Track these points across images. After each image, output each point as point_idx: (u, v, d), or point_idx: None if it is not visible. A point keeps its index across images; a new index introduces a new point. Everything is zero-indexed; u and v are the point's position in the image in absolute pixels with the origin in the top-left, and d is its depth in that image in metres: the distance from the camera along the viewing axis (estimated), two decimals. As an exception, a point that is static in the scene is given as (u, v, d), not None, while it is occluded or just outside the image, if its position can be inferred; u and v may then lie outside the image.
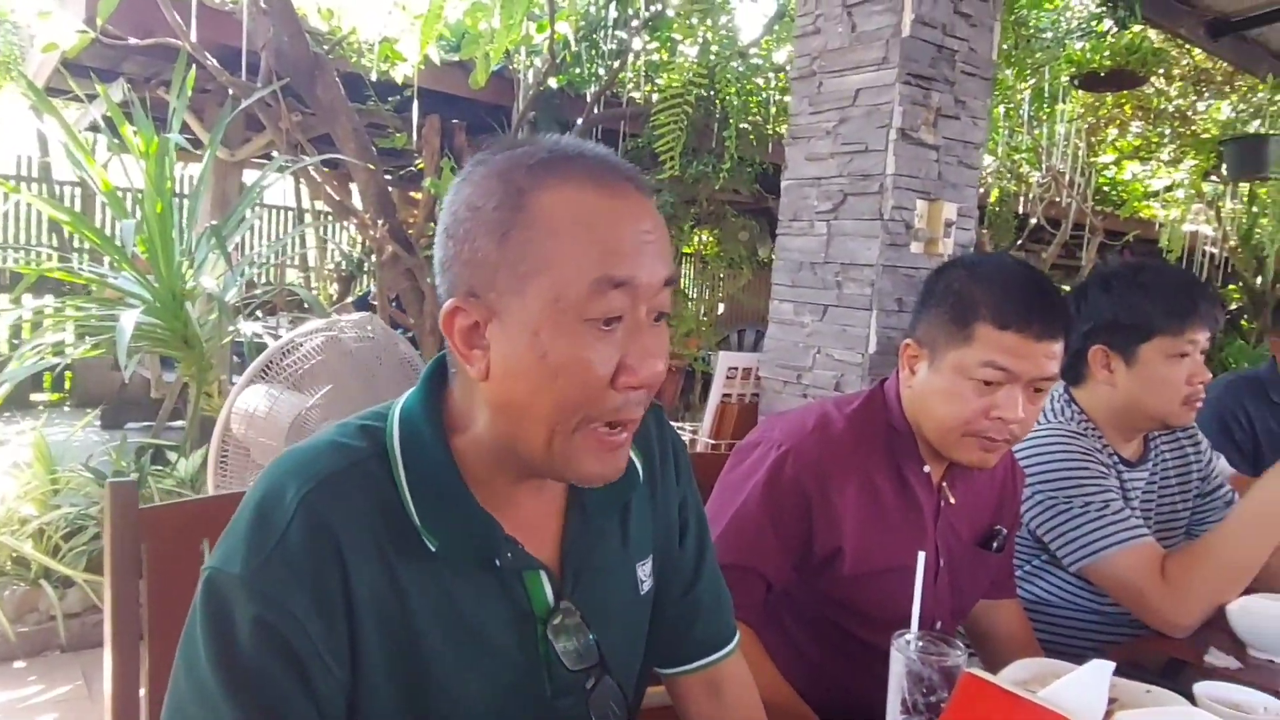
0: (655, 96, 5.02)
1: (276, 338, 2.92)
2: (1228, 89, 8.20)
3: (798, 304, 2.40)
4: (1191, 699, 1.06)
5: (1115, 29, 6.02)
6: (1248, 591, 1.37)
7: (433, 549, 0.72)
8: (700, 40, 5.39)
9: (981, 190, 7.11)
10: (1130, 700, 1.00)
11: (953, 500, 1.32)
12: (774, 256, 2.48)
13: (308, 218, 7.72)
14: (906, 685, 0.90)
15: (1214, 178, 8.36)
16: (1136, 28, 6.13)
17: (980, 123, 2.35)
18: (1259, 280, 9.13)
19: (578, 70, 5.28)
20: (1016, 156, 7.41)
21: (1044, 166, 7.46)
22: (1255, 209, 8.15)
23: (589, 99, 5.37)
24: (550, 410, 0.70)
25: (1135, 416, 1.57)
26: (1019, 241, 7.95)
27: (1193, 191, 8.78)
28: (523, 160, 0.70)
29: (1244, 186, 7.95)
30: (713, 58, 5.10)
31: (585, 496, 0.82)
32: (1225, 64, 7.22)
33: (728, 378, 2.65)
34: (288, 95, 3.74)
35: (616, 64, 5.34)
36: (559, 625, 0.78)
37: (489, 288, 0.69)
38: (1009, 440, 1.21)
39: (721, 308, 7.98)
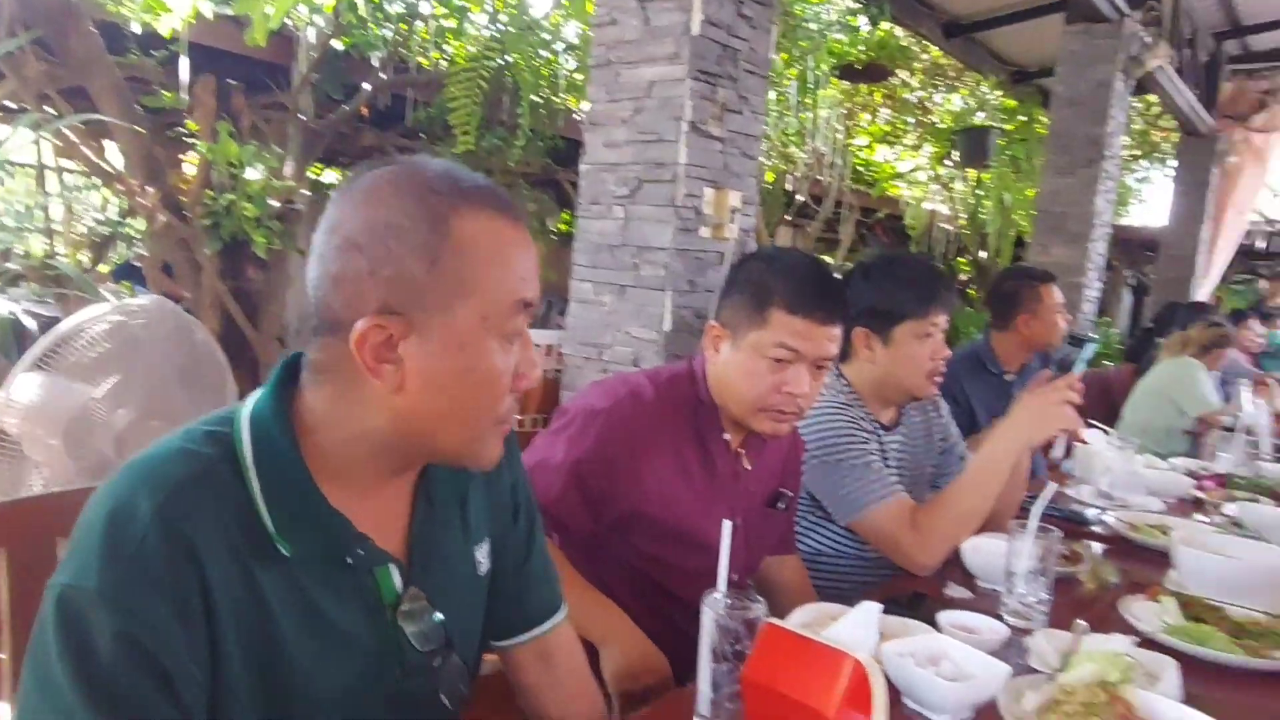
0: (444, 65, 4.93)
1: (35, 316, 2.65)
2: (958, 84, 9.20)
3: (597, 284, 2.52)
4: (936, 626, 1.29)
5: (869, 25, 6.61)
6: (978, 533, 1.66)
7: (287, 554, 0.75)
8: (488, 10, 5.35)
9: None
10: (891, 633, 1.20)
11: (748, 466, 1.50)
12: (575, 238, 2.58)
13: (50, 176, 6.88)
14: (716, 637, 1.03)
15: (948, 163, 9.38)
16: (885, 25, 6.76)
17: (760, 117, 2.56)
18: (983, 254, 10.37)
19: (363, 32, 5.08)
20: (785, 138, 7.94)
21: (809, 148, 8.06)
22: (980, 192, 9.24)
23: (375, 63, 5.18)
24: (472, 414, 0.79)
25: (890, 389, 1.82)
26: (786, 216, 8.57)
27: (932, 174, 9.81)
28: (435, 185, 0.76)
29: (972, 171, 8.98)
30: (502, 28, 5.08)
31: (432, 489, 0.89)
32: (957, 61, 8.10)
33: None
34: (34, 43, 3.34)
35: (404, 27, 5.19)
36: (407, 611, 0.84)
37: (415, 306, 0.74)
38: (797, 413, 1.40)
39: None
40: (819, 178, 8.31)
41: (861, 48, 6.77)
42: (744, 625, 1.04)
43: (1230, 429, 3.15)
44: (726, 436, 1.46)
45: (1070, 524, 2.10)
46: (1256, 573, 1.53)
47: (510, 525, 1.01)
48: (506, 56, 4.97)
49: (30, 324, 2.67)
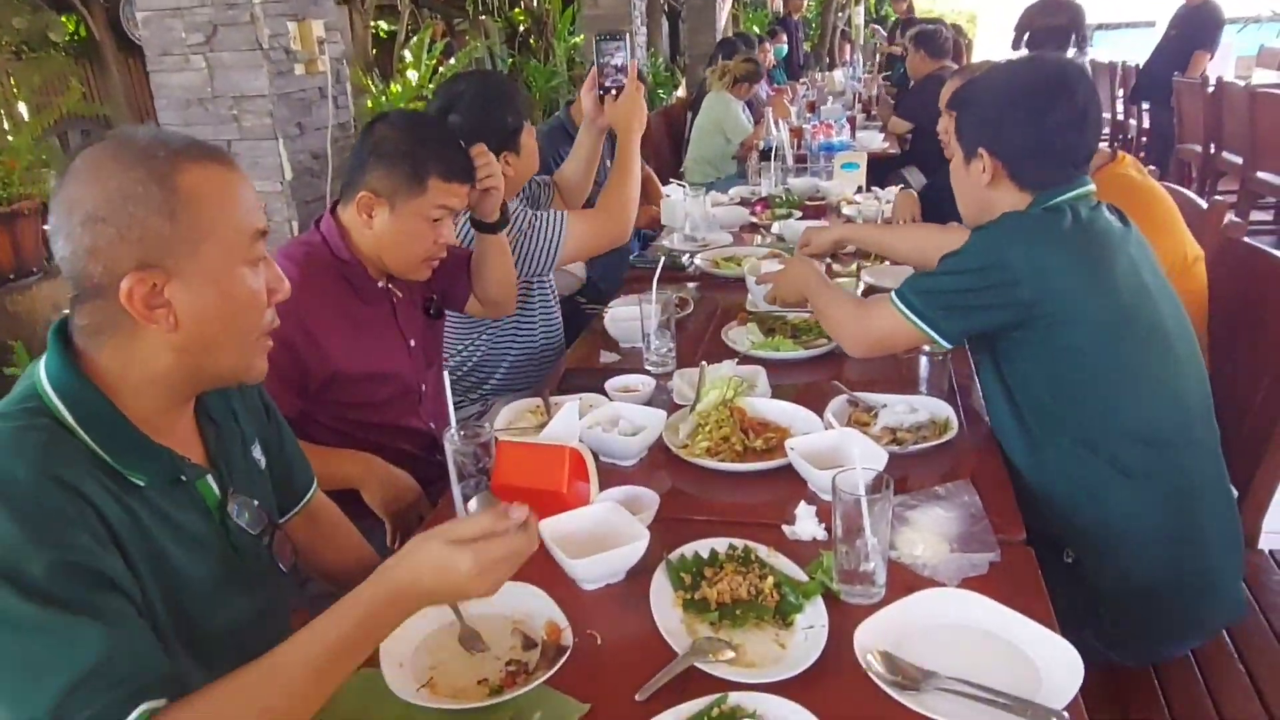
0: None
1: None
2: None
3: (196, 142, 2.41)
4: (607, 393, 1.70)
5: None
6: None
7: (140, 484, 0.92)
8: None
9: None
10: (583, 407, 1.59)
11: (400, 295, 1.74)
12: (154, 95, 2.39)
13: None
14: (461, 463, 1.33)
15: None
16: None
17: (320, -64, 2.47)
18: (535, 3, 10.52)
19: None
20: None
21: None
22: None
23: None
24: (241, 334, 0.96)
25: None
26: (336, -7, 7.97)
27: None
28: (152, 150, 0.89)
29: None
30: None
31: (210, 410, 1.07)
32: None
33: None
34: None
35: None
36: (234, 508, 1.05)
37: (167, 255, 0.88)
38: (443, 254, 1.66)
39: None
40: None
41: None
42: (480, 448, 1.34)
43: (765, 152, 3.90)
44: (381, 284, 1.69)
45: (674, 273, 2.63)
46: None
47: (266, 423, 1.21)
48: None
49: None
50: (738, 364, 1.78)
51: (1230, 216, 2.08)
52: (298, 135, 2.42)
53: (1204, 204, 2.26)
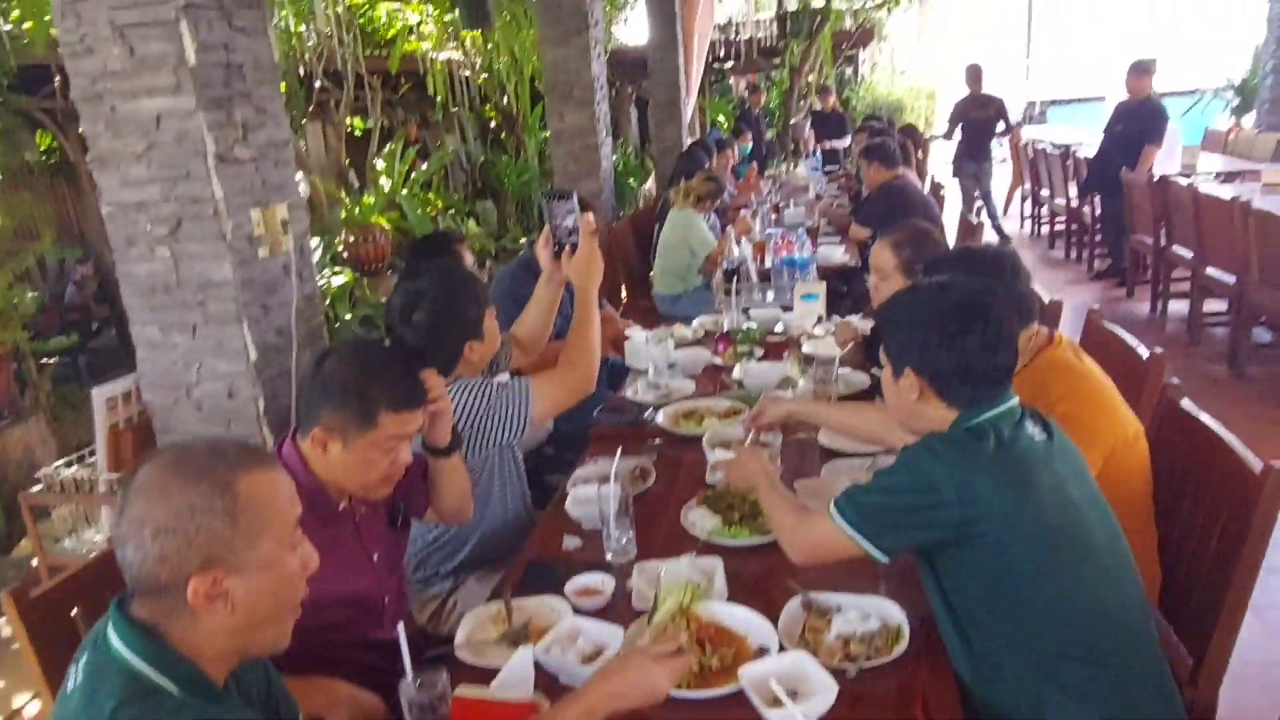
0: None
1: None
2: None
3: (164, 325, 2.45)
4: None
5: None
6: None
7: None
8: None
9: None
10: (541, 616, 1.61)
11: (364, 510, 1.76)
12: (121, 283, 2.45)
13: None
14: (418, 715, 1.34)
15: (454, 15, 9.41)
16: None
17: (282, 121, 2.57)
18: (507, 101, 10.79)
19: None
20: (280, 18, 7.39)
21: (311, 28, 7.62)
22: (491, 47, 9.50)
23: None
24: (286, 608, 1.12)
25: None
26: (310, 108, 8.14)
27: (440, 26, 9.78)
28: (210, 464, 1.04)
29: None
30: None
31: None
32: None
33: (109, 408, 2.59)
34: None
35: None
36: None
37: (229, 553, 1.03)
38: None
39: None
40: (334, 52, 7.93)
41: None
42: (437, 699, 1.36)
43: (730, 271, 3.99)
44: (341, 506, 1.71)
45: (635, 429, 2.68)
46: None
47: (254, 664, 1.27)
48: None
49: None
50: (697, 555, 1.81)
51: (1171, 379, 2.16)
52: (262, 316, 2.47)
53: (1145, 353, 2.34)
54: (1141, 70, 6.32)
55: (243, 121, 2.40)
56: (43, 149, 8.08)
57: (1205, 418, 1.96)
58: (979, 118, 8.31)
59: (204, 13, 2.27)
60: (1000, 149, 9.32)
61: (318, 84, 8.13)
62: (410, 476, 1.82)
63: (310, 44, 7.88)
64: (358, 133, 10.02)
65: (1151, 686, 1.45)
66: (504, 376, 2.30)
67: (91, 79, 2.31)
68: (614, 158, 8.10)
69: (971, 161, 8.35)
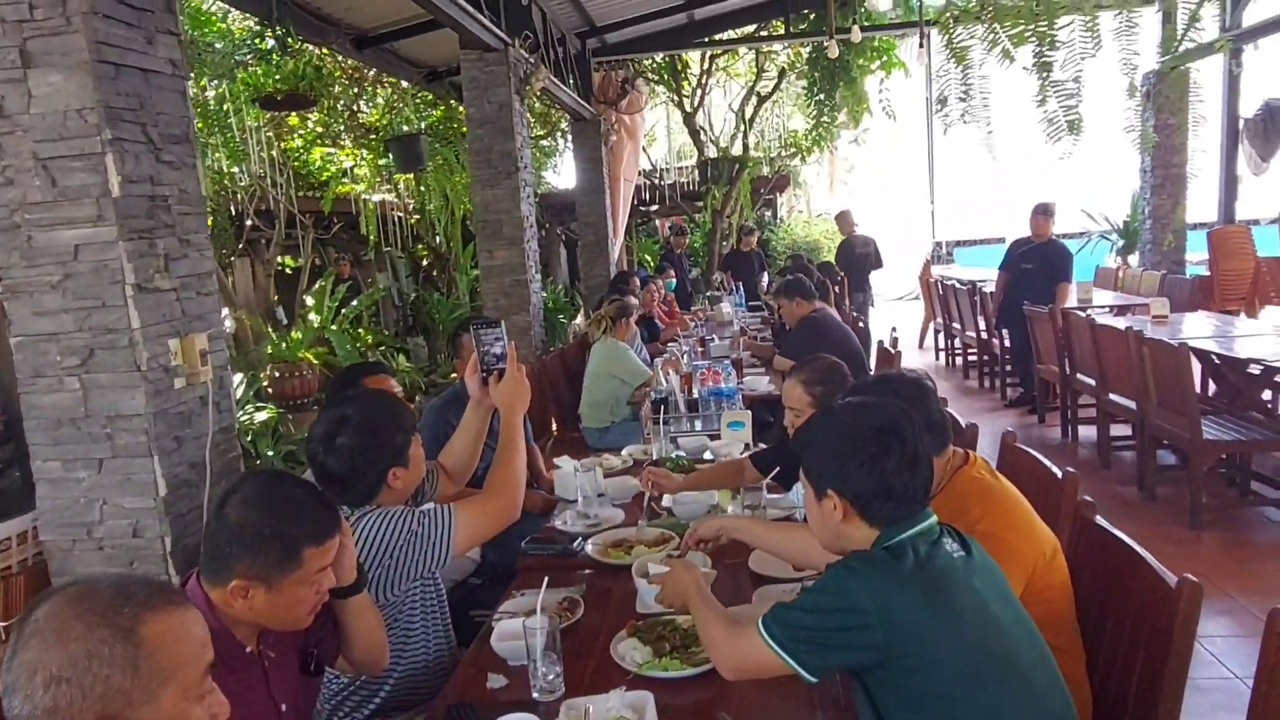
0: None
1: None
2: (380, 84, 9.48)
3: (67, 461, 2.34)
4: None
5: (278, 49, 6.49)
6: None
7: None
8: None
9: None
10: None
11: (273, 655, 1.65)
12: (24, 415, 2.34)
13: None
14: None
15: (388, 160, 9.68)
16: (300, 51, 6.72)
17: (206, 253, 2.56)
18: (439, 240, 10.99)
19: None
20: (213, 159, 7.49)
21: (244, 170, 7.72)
22: (423, 189, 9.75)
23: None
24: None
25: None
26: (240, 245, 8.16)
27: (374, 170, 10.03)
28: (114, 605, 0.95)
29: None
30: None
31: None
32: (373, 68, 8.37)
33: (0, 551, 2.42)
34: None
35: None
36: None
37: (125, 707, 0.94)
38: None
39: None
40: (263, 194, 8.02)
41: (278, 78, 6.63)
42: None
43: (658, 402, 4.03)
44: (249, 649, 1.60)
45: (562, 559, 2.62)
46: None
47: None
48: None
49: None
50: (626, 690, 1.75)
51: (1084, 496, 2.23)
52: (175, 449, 2.38)
53: (1058, 473, 2.42)
54: (1044, 212, 6.81)
55: (165, 252, 2.38)
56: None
57: (1120, 534, 2.02)
58: (861, 254, 9.45)
59: (131, 146, 2.29)
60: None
61: (249, 222, 8.18)
62: (321, 621, 1.73)
63: (243, 184, 7.97)
64: (288, 270, 10.03)
65: None
66: (429, 506, 2.24)
67: (10, 209, 2.28)
68: (543, 294, 8.25)
69: (859, 293, 9.31)
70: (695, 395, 4.54)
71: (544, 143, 12.51)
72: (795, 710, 1.70)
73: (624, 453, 3.72)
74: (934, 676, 1.38)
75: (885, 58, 10.12)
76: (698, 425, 4.18)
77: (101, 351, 2.30)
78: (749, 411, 3.81)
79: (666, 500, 2.98)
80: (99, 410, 2.32)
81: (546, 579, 2.05)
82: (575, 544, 2.69)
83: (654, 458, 3.50)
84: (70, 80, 2.22)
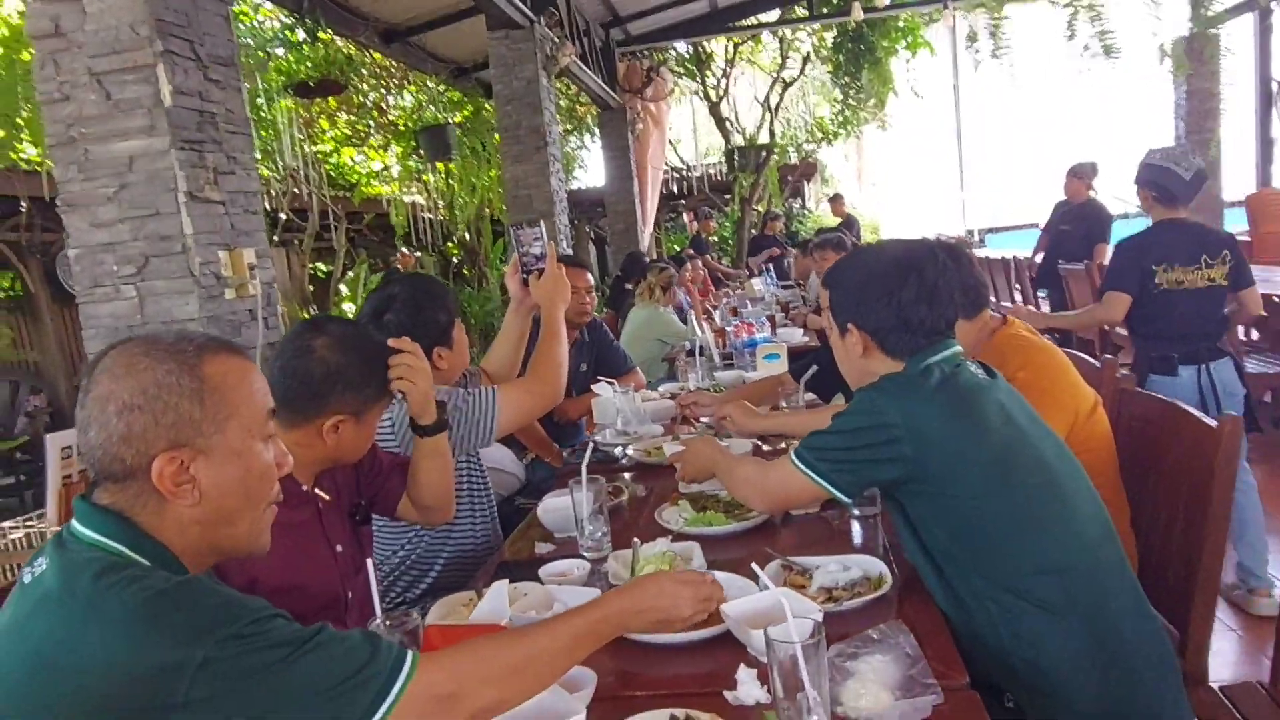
0: None
1: None
2: (407, 83, 9.66)
3: (123, 368, 2.42)
4: (540, 580, 1.66)
5: (308, 39, 6.65)
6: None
7: None
8: None
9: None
10: (515, 599, 1.55)
11: (328, 498, 1.71)
12: (81, 325, 2.43)
13: None
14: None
15: (415, 159, 9.84)
16: (328, 37, 6.87)
17: (252, 173, 2.65)
18: (468, 237, 11.13)
19: None
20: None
21: (278, 165, 7.88)
22: (452, 182, 9.89)
23: None
24: (255, 504, 1.06)
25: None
26: (274, 238, 8.31)
27: (404, 169, 10.20)
28: (177, 346, 1.00)
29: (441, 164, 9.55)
30: None
31: None
32: (401, 63, 8.54)
33: (64, 459, 2.50)
34: None
35: None
36: None
37: (195, 435, 0.99)
38: None
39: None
40: (297, 191, 8.18)
41: (310, 64, 6.79)
42: (407, 636, 1.29)
43: (691, 352, 4.06)
44: (305, 487, 1.66)
45: (607, 465, 2.66)
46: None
47: None
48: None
49: None
50: (671, 541, 1.77)
51: (1122, 371, 2.22)
52: (227, 355, 2.45)
53: (1098, 364, 2.41)
54: (1077, 174, 6.74)
55: (215, 165, 2.47)
56: (4, 286, 8.09)
57: (1160, 396, 2.01)
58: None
59: (180, 61, 2.38)
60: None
61: (283, 216, 8.35)
62: (379, 472, 1.79)
63: (276, 178, 8.15)
64: (320, 275, 10.23)
65: (1126, 600, 1.43)
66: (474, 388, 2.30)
67: (66, 125, 2.38)
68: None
69: None
70: (729, 350, 4.56)
71: (570, 138, 12.65)
72: (836, 546, 1.71)
73: (660, 388, 3.75)
74: (962, 483, 1.40)
75: (910, 38, 10.11)
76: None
77: (156, 259, 2.38)
78: (784, 345, 3.82)
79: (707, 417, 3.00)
80: (155, 316, 2.40)
81: (591, 444, 2.08)
82: (617, 449, 2.72)
83: (690, 389, 3.52)
84: (123, -3, 2.32)
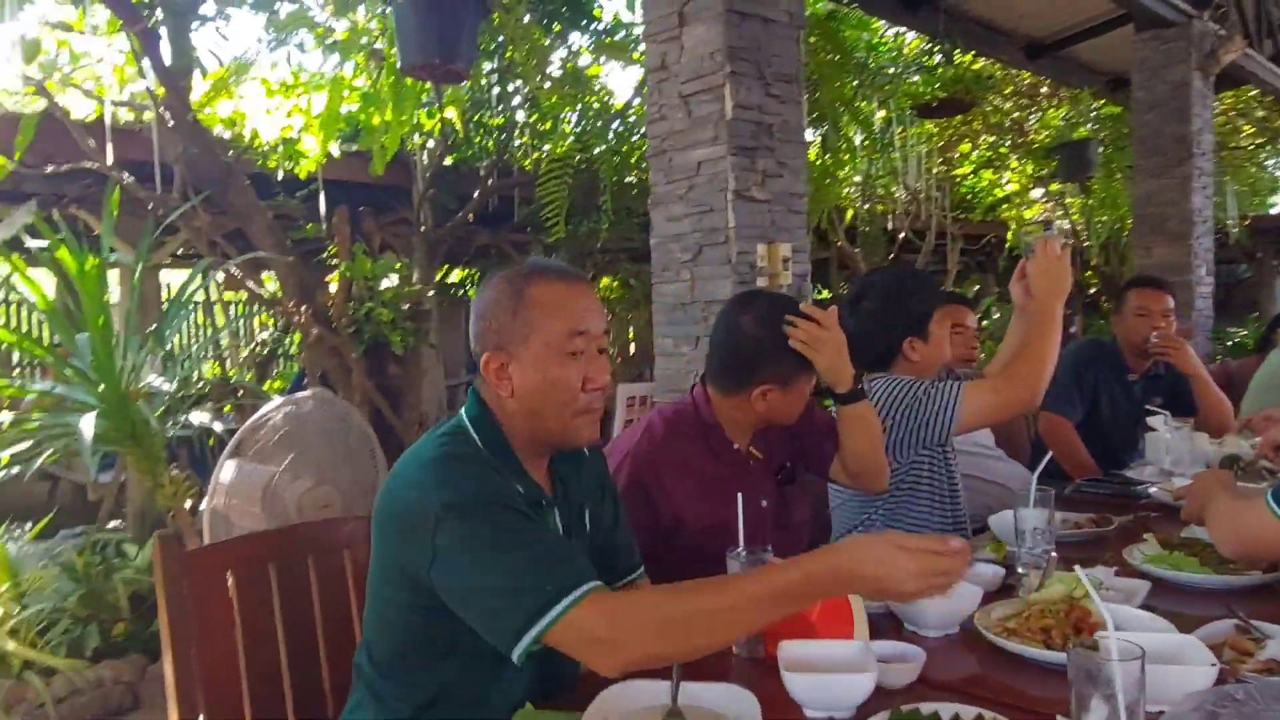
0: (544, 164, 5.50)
1: (222, 426, 3.25)
2: (1055, 100, 9.17)
3: (676, 338, 2.90)
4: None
5: (945, 61, 6.81)
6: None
7: (522, 492, 1.22)
8: (579, 108, 5.92)
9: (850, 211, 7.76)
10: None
11: (760, 456, 1.82)
12: (653, 302, 2.98)
13: (217, 309, 7.95)
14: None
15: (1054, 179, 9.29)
16: (964, 58, 6.95)
17: (800, 177, 2.91)
18: (1107, 266, 10.12)
19: (469, 147, 5.76)
20: (877, 180, 8.16)
21: (904, 185, 8.24)
22: (1092, 203, 9.10)
23: (482, 173, 5.85)
24: (557, 407, 1.24)
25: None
26: (890, 255, 8.73)
27: (1044, 192, 9.72)
28: (520, 272, 1.27)
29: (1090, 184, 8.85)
30: (588, 125, 5.64)
31: (559, 470, 1.35)
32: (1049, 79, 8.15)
33: (628, 405, 3.12)
34: (200, 199, 4.10)
35: (503, 138, 5.84)
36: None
37: (509, 342, 1.23)
38: None
39: (633, 347, 8.49)
40: (917, 213, 8.44)
41: (937, 85, 6.95)
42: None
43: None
44: (736, 446, 1.81)
45: (1121, 497, 2.30)
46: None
47: (600, 501, 1.44)
48: (595, 149, 5.52)
49: (218, 427, 3.25)
50: (1115, 573, 1.49)
51: None
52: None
53: None
54: None
55: (764, 169, 2.79)
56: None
57: None
58: None
59: (745, 80, 2.76)
60: None
61: (902, 235, 8.68)
62: (813, 433, 1.87)
63: (901, 200, 8.50)
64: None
65: None
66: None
67: (661, 139, 2.94)
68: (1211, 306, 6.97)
69: None
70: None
71: (1264, 152, 10.54)
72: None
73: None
74: None
75: None
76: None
77: (707, 248, 2.80)
78: None
79: None
80: (700, 297, 2.82)
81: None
82: (1139, 487, 2.32)
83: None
84: (709, 30, 2.78)
